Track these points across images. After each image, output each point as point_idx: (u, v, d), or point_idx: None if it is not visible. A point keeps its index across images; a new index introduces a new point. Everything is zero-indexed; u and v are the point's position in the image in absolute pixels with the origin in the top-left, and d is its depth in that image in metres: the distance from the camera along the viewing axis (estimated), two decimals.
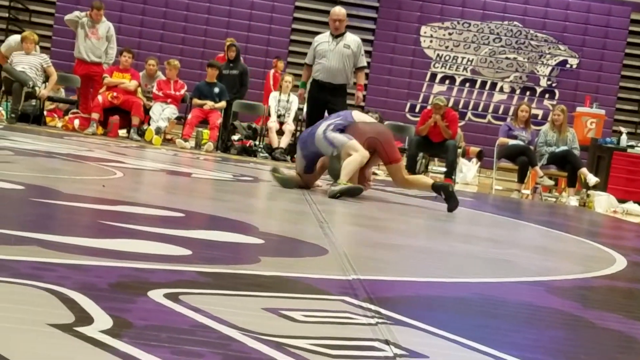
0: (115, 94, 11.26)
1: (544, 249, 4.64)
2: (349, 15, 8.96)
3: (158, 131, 11.04)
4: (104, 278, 2.08)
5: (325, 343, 1.72)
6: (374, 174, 8.63)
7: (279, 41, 16.83)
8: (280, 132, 11.64)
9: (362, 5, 17.01)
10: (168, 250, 2.66)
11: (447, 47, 17.13)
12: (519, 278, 3.17)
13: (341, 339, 1.80)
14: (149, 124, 11.28)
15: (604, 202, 9.52)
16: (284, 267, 2.73)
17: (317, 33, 9.46)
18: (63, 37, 15.51)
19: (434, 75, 17.12)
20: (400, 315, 2.08)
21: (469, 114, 16.98)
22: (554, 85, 17.09)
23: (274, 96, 11.99)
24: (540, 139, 10.35)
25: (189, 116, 11.52)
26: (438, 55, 17.13)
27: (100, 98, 11.23)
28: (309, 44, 8.80)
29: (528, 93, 16.98)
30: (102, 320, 1.66)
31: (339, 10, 8.54)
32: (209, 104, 11.45)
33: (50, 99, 11.88)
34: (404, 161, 10.86)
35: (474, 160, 13.10)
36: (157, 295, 1.95)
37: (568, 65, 17.07)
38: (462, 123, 14.89)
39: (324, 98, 8.25)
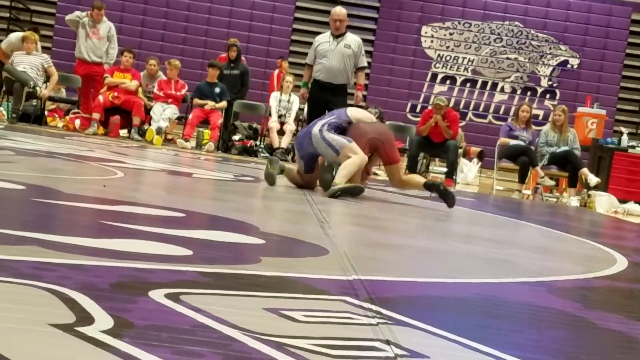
0: (116, 94, 11.26)
1: (544, 249, 4.64)
2: (349, 15, 8.95)
3: (159, 131, 11.04)
4: (104, 278, 2.08)
5: (326, 343, 1.72)
6: (375, 174, 8.62)
7: (280, 41, 16.83)
8: (281, 132, 11.65)
9: (363, 5, 17.00)
10: (169, 250, 2.66)
11: (447, 47, 17.12)
12: (519, 278, 3.17)
13: (342, 339, 1.80)
14: (149, 124, 11.29)
15: (604, 203, 9.51)
16: (284, 267, 2.73)
17: (318, 33, 9.46)
18: (64, 37, 15.51)
19: (434, 76, 17.11)
20: (401, 315, 2.08)
21: (469, 114, 16.97)
22: (554, 85, 17.08)
23: (274, 96, 11.99)
24: (541, 139, 10.35)
25: (190, 116, 11.52)
26: (439, 55, 17.13)
27: (101, 98, 11.23)
28: (310, 44, 8.80)
29: (529, 93, 16.97)
30: (103, 320, 1.66)
31: (339, 10, 8.54)
32: (209, 104, 11.46)
33: (51, 99, 11.88)
34: (404, 161, 10.92)
35: (475, 160, 13.09)
36: (157, 295, 1.95)
37: (569, 66, 17.06)
38: (462, 123, 14.88)
39: (325, 98, 8.24)
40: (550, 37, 17.04)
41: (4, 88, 11.52)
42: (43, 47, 12.63)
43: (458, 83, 17.12)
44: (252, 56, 15.63)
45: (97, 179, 5.14)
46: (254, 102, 12.64)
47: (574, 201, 9.94)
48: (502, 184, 11.39)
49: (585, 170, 10.12)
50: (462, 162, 12.25)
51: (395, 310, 2.13)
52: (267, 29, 16.90)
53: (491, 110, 17.05)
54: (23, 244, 2.40)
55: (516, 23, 17.04)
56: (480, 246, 4.22)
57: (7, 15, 16.72)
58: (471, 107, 17.06)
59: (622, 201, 9.88)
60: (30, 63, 11.23)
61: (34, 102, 11.26)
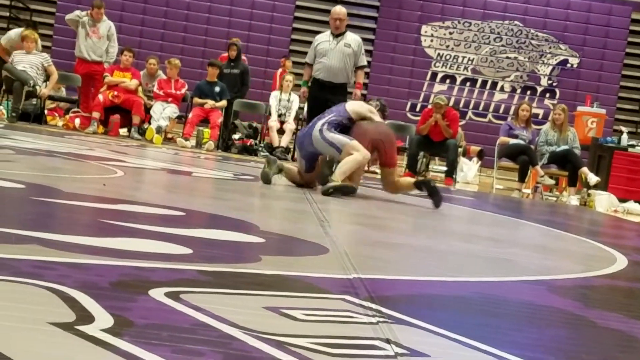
0: (116, 93, 11.26)
1: (544, 248, 4.64)
2: (349, 15, 8.95)
3: (159, 130, 11.04)
4: (104, 277, 2.08)
5: (326, 342, 1.72)
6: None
7: (280, 40, 16.82)
8: (281, 131, 11.65)
9: (363, 5, 16.99)
10: (169, 249, 2.66)
11: (447, 46, 17.12)
12: (519, 277, 3.17)
13: (342, 337, 1.80)
14: (149, 123, 11.28)
15: (604, 202, 9.51)
16: (284, 265, 2.73)
17: (318, 32, 9.46)
18: (64, 36, 15.50)
19: (434, 75, 17.11)
20: (401, 314, 2.08)
21: (469, 113, 16.97)
22: (554, 84, 17.08)
23: (274, 95, 11.99)
24: (540, 138, 10.35)
25: (190, 115, 11.52)
26: (439, 54, 17.12)
27: (101, 97, 11.23)
28: (310, 43, 8.79)
29: (529, 92, 16.97)
30: (103, 319, 1.66)
31: (339, 10, 8.54)
32: (209, 103, 11.45)
33: (51, 98, 11.87)
34: (404, 160, 10.92)
35: (475, 159, 13.09)
36: (158, 293, 1.95)
37: (569, 65, 17.06)
38: (462, 122, 14.87)
39: (325, 97, 8.24)
40: (550, 37, 17.04)
41: (3, 87, 11.52)
42: (43, 47, 12.61)
43: (458, 82, 17.11)
44: (252, 55, 15.62)
45: (97, 178, 5.14)
46: (254, 101, 12.63)
47: (574, 200, 9.94)
48: (502, 183, 11.40)
49: (585, 169, 10.12)
50: (462, 161, 12.25)
51: (396, 308, 2.13)
52: (267, 28, 16.90)
53: (491, 109, 17.04)
54: (23, 242, 2.40)
55: (516, 22, 17.03)
56: (480, 245, 4.22)
57: (7, 14, 16.71)
58: (471, 106, 17.05)
59: (622, 200, 9.88)
60: (30, 62, 11.23)
61: (34, 101, 11.26)
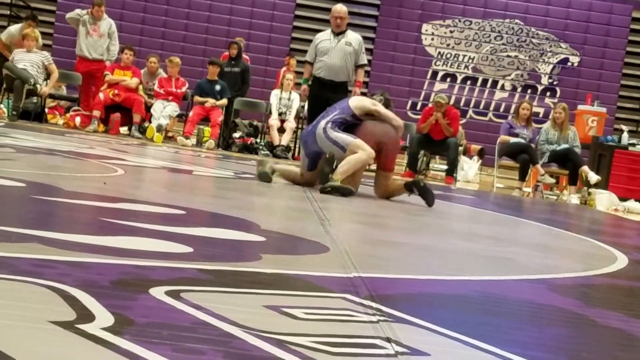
0: (116, 91, 11.26)
1: (545, 246, 4.64)
2: (350, 13, 8.94)
3: (159, 129, 11.03)
4: (105, 275, 2.08)
5: (327, 340, 1.72)
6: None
7: (281, 39, 16.82)
8: (281, 130, 11.65)
9: (364, 3, 16.99)
10: (169, 247, 2.66)
11: (448, 45, 17.11)
12: (520, 276, 3.17)
13: (342, 336, 1.80)
14: (150, 122, 11.28)
15: (605, 200, 9.51)
16: (285, 264, 2.73)
17: (319, 31, 9.45)
18: (64, 35, 15.50)
19: (435, 73, 17.11)
20: (402, 312, 2.08)
21: (470, 112, 16.97)
22: (555, 83, 17.07)
23: (275, 94, 11.99)
24: (541, 137, 10.34)
25: (191, 114, 11.52)
26: (439, 53, 17.12)
27: (101, 95, 11.23)
28: (311, 41, 8.79)
29: (529, 91, 16.97)
30: (103, 317, 1.66)
31: (340, 8, 8.53)
32: (210, 101, 11.45)
33: (51, 96, 11.88)
34: (404, 159, 10.91)
35: (475, 158, 13.09)
36: (158, 292, 1.95)
37: (569, 63, 17.05)
38: (463, 121, 14.87)
39: (325, 95, 8.23)
40: (551, 35, 17.03)
41: (4, 85, 11.51)
42: (43, 45, 12.60)
43: (458, 81, 17.11)
44: (253, 54, 15.62)
45: (97, 177, 5.14)
46: (254, 99, 12.63)
47: (574, 199, 9.94)
48: (503, 181, 11.40)
49: (585, 168, 10.11)
50: (463, 159, 12.24)
51: (396, 307, 2.13)
52: (267, 27, 16.89)
53: (491, 108, 17.04)
54: (23, 241, 2.40)
55: (517, 21, 17.03)
56: (480, 244, 4.22)
57: (8, 12, 16.71)
58: (471, 104, 17.05)
59: (623, 199, 9.88)
60: (31, 60, 11.23)
61: (35, 99, 11.26)
